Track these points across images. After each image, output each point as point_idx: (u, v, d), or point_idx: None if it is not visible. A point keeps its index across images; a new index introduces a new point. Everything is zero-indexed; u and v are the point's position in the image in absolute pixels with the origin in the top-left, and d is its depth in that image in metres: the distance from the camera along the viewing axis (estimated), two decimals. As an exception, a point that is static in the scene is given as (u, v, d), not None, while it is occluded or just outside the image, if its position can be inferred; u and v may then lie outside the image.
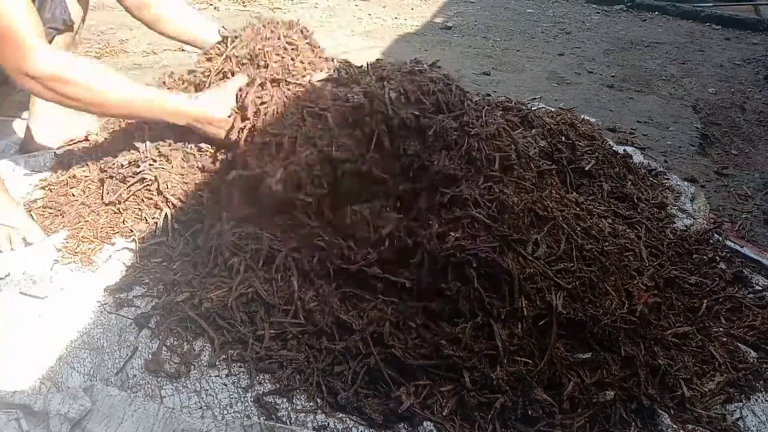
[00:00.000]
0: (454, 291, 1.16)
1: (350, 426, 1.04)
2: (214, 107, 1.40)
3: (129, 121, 1.56)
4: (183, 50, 3.09)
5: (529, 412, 1.06)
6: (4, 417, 0.99)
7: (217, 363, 1.13)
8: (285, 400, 1.08)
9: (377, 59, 1.59)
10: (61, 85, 1.27)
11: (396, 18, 4.20)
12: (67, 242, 1.38)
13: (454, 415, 1.07)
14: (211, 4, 4.03)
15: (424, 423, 1.05)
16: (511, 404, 1.07)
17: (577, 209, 1.39)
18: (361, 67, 1.48)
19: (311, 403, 1.07)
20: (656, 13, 4.81)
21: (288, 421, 1.05)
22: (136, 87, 1.36)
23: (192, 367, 1.12)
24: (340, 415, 1.07)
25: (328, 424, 1.04)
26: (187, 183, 1.44)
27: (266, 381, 1.11)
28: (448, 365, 1.11)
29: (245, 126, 1.39)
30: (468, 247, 1.16)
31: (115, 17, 3.30)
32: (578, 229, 1.29)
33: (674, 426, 1.12)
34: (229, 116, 1.40)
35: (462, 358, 1.10)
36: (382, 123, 1.29)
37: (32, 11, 1.29)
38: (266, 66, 1.46)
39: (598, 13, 4.79)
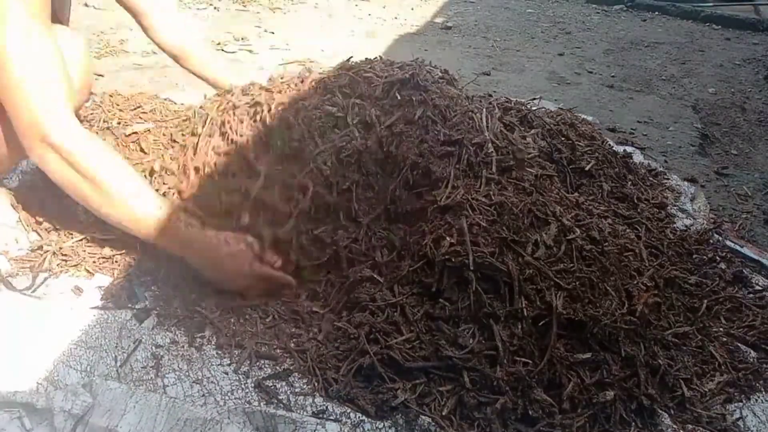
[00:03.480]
0: (452, 295, 1.17)
1: (348, 411, 1.06)
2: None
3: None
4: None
5: (529, 412, 1.06)
6: (7, 416, 0.99)
7: (218, 351, 1.15)
8: (284, 383, 1.10)
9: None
10: (77, 167, 1.15)
11: (396, 18, 4.20)
12: (66, 242, 1.39)
13: (453, 414, 1.07)
14: (211, 4, 4.02)
15: (421, 417, 1.05)
16: (511, 404, 1.07)
17: (577, 209, 1.39)
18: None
19: (310, 386, 1.10)
20: (656, 13, 4.80)
21: (288, 404, 1.06)
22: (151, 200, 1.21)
23: (200, 352, 1.15)
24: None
25: (327, 407, 1.06)
26: None
27: (267, 366, 1.14)
28: (448, 366, 1.11)
29: None
30: (463, 251, 1.16)
31: (115, 17, 3.30)
32: (578, 229, 1.29)
33: (674, 426, 1.12)
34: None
35: (461, 359, 1.10)
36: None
37: (67, 75, 1.18)
38: None
39: (598, 13, 4.79)
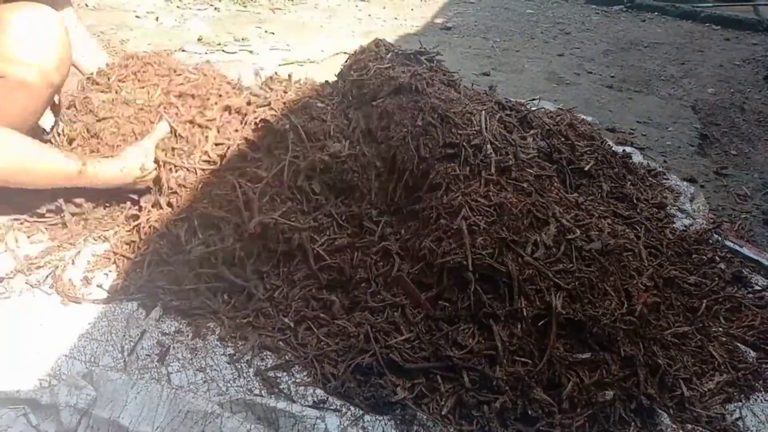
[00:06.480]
0: (452, 295, 1.17)
1: (348, 403, 1.07)
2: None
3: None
4: (183, 50, 3.09)
5: (529, 412, 1.07)
6: (13, 413, 0.99)
7: (222, 342, 1.17)
8: (286, 374, 1.12)
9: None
10: None
11: (396, 18, 4.20)
12: (67, 240, 1.39)
13: (452, 413, 1.08)
14: (211, 5, 4.03)
15: (419, 416, 1.06)
16: (510, 404, 1.07)
17: (577, 210, 1.39)
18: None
19: (310, 378, 1.11)
20: (656, 13, 4.81)
21: (289, 393, 1.08)
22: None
23: (204, 341, 1.16)
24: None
25: (327, 398, 1.07)
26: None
27: (269, 357, 1.15)
28: (447, 365, 1.12)
29: None
30: (461, 253, 1.16)
31: (115, 17, 3.30)
32: (577, 229, 1.29)
33: (673, 426, 1.12)
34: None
35: (461, 359, 1.11)
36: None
37: None
38: None
39: (598, 13, 4.80)
